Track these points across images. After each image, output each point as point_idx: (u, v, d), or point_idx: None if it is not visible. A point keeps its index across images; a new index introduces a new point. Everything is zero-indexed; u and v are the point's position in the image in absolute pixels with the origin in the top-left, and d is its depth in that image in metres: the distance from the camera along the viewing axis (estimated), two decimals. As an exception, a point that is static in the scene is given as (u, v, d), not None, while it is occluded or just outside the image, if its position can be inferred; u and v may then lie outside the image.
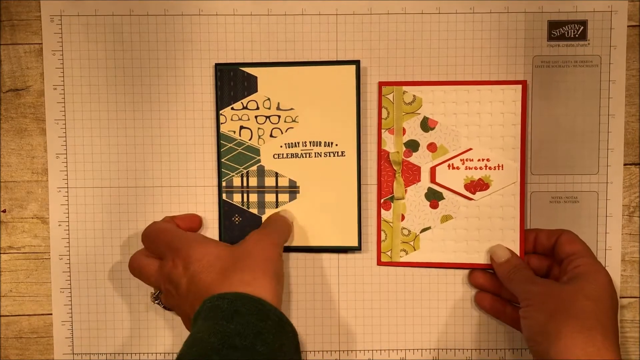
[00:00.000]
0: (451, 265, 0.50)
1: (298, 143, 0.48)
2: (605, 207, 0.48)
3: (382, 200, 0.49)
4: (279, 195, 0.49)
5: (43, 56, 0.47)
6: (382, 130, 0.49)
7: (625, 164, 0.48)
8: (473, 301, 0.50)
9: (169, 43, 0.47)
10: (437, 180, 0.49)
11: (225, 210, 0.49)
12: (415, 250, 0.50)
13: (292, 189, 0.49)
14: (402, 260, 0.50)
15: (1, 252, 0.48)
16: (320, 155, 0.48)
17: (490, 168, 0.48)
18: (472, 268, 0.49)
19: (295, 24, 0.47)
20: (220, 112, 0.48)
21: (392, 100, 0.49)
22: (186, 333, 0.39)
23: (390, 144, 0.49)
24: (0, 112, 0.48)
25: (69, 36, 0.47)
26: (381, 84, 0.49)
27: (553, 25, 0.48)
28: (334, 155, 0.48)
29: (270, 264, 0.41)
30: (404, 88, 0.48)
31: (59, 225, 0.48)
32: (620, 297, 0.49)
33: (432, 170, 0.49)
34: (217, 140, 0.48)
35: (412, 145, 0.49)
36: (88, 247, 0.48)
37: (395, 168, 0.49)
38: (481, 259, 0.49)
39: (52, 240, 0.48)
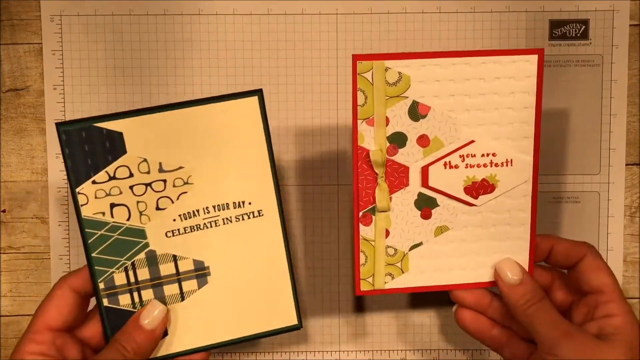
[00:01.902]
0: (448, 287, 0.41)
1: (197, 211, 0.37)
2: (607, 208, 0.48)
3: (360, 214, 0.39)
4: (183, 283, 0.38)
5: (43, 56, 0.47)
6: (358, 121, 0.38)
7: (627, 164, 0.48)
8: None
9: (168, 43, 0.47)
10: (431, 183, 0.39)
11: (111, 319, 0.37)
12: (403, 272, 0.40)
13: (200, 272, 0.38)
14: (387, 287, 0.40)
15: (1, 252, 0.48)
16: (231, 221, 0.38)
17: (496, 165, 0.39)
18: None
19: (295, 23, 0.47)
20: (77, 190, 0.36)
21: (370, 80, 0.37)
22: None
23: (370, 139, 0.38)
24: (0, 112, 0.48)
25: (68, 36, 0.47)
26: (356, 58, 0.37)
27: (554, 24, 0.47)
28: (249, 217, 0.38)
29: None
30: (387, 63, 0.37)
31: (59, 225, 0.48)
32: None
33: (424, 171, 0.39)
34: (81, 228, 0.37)
35: (398, 140, 0.39)
36: (88, 247, 0.48)
37: (376, 171, 0.38)
38: (484, 276, 0.41)
39: (52, 240, 0.48)
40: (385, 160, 0.39)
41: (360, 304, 0.49)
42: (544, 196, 0.48)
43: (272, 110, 0.47)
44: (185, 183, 0.37)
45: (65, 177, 0.48)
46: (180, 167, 0.37)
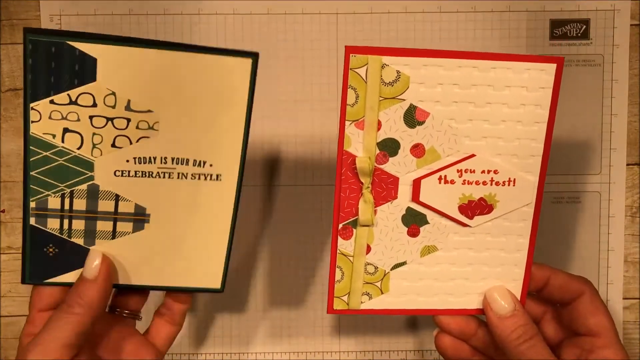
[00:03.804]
0: (431, 312, 0.38)
1: (154, 159, 0.35)
2: (608, 208, 0.48)
3: (340, 226, 0.36)
4: (118, 223, 0.36)
5: (42, 56, 0.47)
6: (346, 123, 0.34)
7: (627, 164, 0.48)
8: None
9: (168, 43, 0.47)
10: (422, 198, 0.35)
11: (34, 238, 0.36)
12: (382, 293, 0.37)
13: (139, 217, 0.36)
14: (363, 307, 0.37)
15: (0, 252, 0.48)
16: (185, 177, 0.36)
17: (497, 183, 0.35)
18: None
19: (296, 23, 0.47)
20: (32, 105, 0.34)
21: (364, 77, 0.34)
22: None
23: (357, 144, 0.34)
24: (0, 112, 0.48)
25: (68, 36, 0.47)
26: (349, 51, 0.33)
27: (555, 24, 0.47)
28: (205, 179, 0.36)
29: None
30: (384, 59, 0.34)
31: (59, 225, 0.48)
32: (622, 299, 0.48)
33: (416, 184, 0.35)
34: (25, 144, 0.34)
35: (390, 147, 0.35)
36: (88, 247, 0.48)
37: (362, 180, 0.35)
38: (471, 303, 0.37)
39: (52, 240, 0.48)
40: (373, 169, 0.35)
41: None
42: (544, 196, 0.48)
43: (272, 110, 0.47)
44: (150, 128, 0.35)
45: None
46: (149, 111, 0.35)
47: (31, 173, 0.35)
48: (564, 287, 0.37)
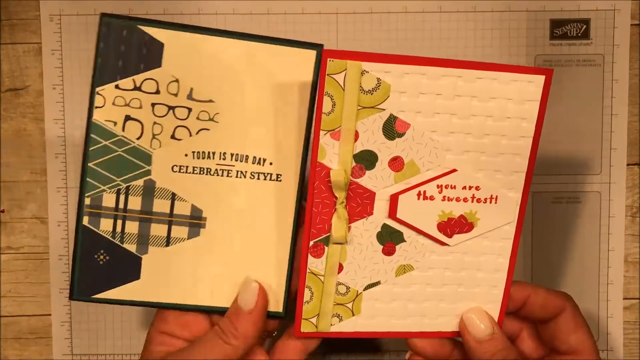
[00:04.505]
0: (404, 335, 0.36)
1: (213, 154, 0.34)
2: (608, 208, 0.48)
3: (310, 243, 0.34)
4: (173, 228, 0.34)
5: (42, 56, 0.47)
6: (321, 133, 0.32)
7: (628, 164, 0.48)
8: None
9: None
10: (399, 214, 0.33)
11: (86, 242, 0.34)
12: (354, 314, 0.35)
13: (195, 221, 0.34)
14: (333, 329, 0.35)
15: (0, 252, 0.48)
16: (245, 176, 0.34)
17: (478, 200, 0.34)
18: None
19: (295, 23, 0.47)
20: (98, 89, 0.33)
21: (341, 84, 0.31)
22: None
23: (333, 155, 0.32)
24: (0, 112, 0.48)
25: (68, 36, 0.47)
26: (326, 55, 0.31)
27: (555, 24, 0.47)
28: (265, 179, 0.34)
29: None
30: (364, 65, 0.31)
31: (58, 225, 0.48)
32: (622, 299, 0.48)
33: (393, 200, 0.33)
34: (87, 132, 0.33)
35: (367, 159, 0.33)
36: (87, 247, 0.48)
37: (337, 195, 0.33)
38: (446, 325, 0.36)
39: (51, 240, 0.48)
40: (349, 183, 0.33)
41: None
42: (544, 196, 0.48)
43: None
44: (210, 119, 0.34)
45: (64, 177, 0.47)
46: (211, 101, 0.33)
47: (89, 164, 0.33)
48: (544, 305, 0.36)
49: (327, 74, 0.31)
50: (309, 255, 0.34)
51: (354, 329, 0.35)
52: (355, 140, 0.32)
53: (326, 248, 0.34)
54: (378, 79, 0.32)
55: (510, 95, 0.33)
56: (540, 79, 0.33)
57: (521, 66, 0.33)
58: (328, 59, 0.31)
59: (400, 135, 0.33)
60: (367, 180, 0.33)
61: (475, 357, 0.34)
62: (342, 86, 0.32)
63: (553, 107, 0.47)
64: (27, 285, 0.48)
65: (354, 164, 0.33)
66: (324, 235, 0.34)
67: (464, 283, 0.35)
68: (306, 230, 0.33)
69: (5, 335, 0.49)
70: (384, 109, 0.32)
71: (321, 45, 0.33)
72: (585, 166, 0.48)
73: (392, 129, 0.33)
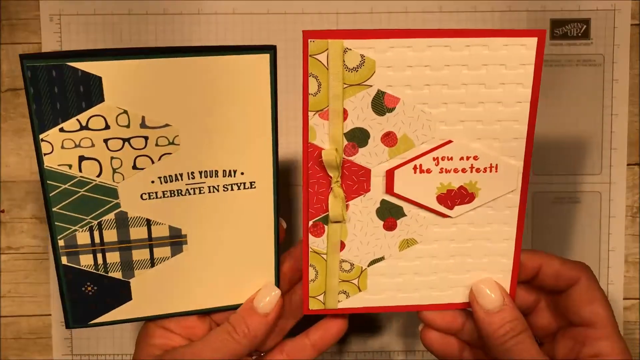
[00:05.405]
0: (414, 308, 0.36)
1: (181, 175, 0.33)
2: (608, 208, 0.48)
3: (310, 223, 0.34)
4: (155, 250, 0.34)
5: (42, 56, 0.47)
6: (310, 114, 0.32)
7: (628, 164, 0.48)
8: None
9: (168, 43, 0.47)
10: (397, 189, 0.33)
11: (69, 279, 0.34)
12: (360, 290, 0.35)
13: (176, 240, 0.34)
14: (341, 306, 0.35)
15: (0, 252, 0.48)
16: (217, 190, 0.34)
17: (477, 170, 0.33)
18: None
19: (296, 23, 0.47)
20: (41, 136, 0.31)
21: (325, 63, 0.31)
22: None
23: (323, 136, 0.32)
24: (0, 112, 0.48)
25: (68, 36, 0.47)
26: (307, 35, 0.31)
27: (556, 24, 0.47)
28: (239, 188, 0.34)
29: None
30: (346, 43, 0.31)
31: (58, 225, 0.48)
32: (623, 299, 0.48)
33: (389, 175, 0.33)
34: (41, 179, 0.32)
35: (359, 137, 0.33)
36: (87, 247, 0.48)
37: (330, 174, 0.33)
38: (457, 296, 0.36)
39: (51, 240, 0.48)
40: (342, 162, 0.33)
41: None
42: (544, 196, 0.48)
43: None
44: (171, 143, 0.32)
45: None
46: (167, 125, 0.32)
47: (53, 209, 0.33)
48: (557, 275, 0.35)
49: (310, 55, 0.31)
50: (310, 234, 0.34)
51: (362, 305, 0.35)
52: (345, 118, 0.32)
53: (326, 227, 0.34)
54: (362, 56, 0.31)
55: (502, 60, 0.32)
56: (533, 41, 0.32)
57: (511, 30, 0.32)
58: (309, 40, 0.31)
59: (391, 110, 0.32)
60: (361, 157, 0.33)
61: (483, 328, 0.34)
62: (326, 66, 0.31)
63: (553, 107, 0.47)
64: (27, 285, 0.48)
65: (345, 142, 0.33)
66: (323, 215, 0.34)
67: (471, 254, 0.35)
68: (304, 211, 0.34)
69: (5, 335, 0.49)
70: (371, 85, 0.32)
71: (273, 47, 0.32)
72: (585, 166, 0.48)
73: (381, 104, 0.32)
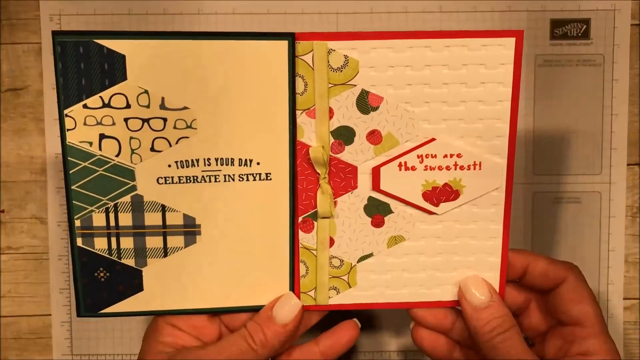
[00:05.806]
0: (405, 305, 0.36)
1: (197, 161, 0.33)
2: (608, 208, 0.48)
3: (299, 219, 0.35)
4: (169, 238, 0.34)
5: (42, 56, 0.47)
6: (298, 112, 0.33)
7: (628, 164, 0.48)
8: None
9: (168, 42, 0.47)
10: (383, 187, 0.34)
11: (83, 262, 0.34)
12: (350, 287, 0.36)
13: (189, 229, 0.34)
14: (332, 302, 0.36)
15: (0, 252, 0.48)
16: (233, 179, 0.34)
17: (461, 167, 0.34)
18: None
19: (295, 23, 0.47)
20: (66, 112, 0.32)
21: (310, 64, 0.33)
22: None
23: (310, 133, 0.34)
24: (0, 112, 0.48)
25: (68, 35, 0.47)
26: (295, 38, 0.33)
27: (556, 23, 0.47)
28: (254, 179, 0.34)
29: None
30: (330, 44, 0.32)
31: (58, 225, 0.48)
32: (623, 299, 0.48)
33: (375, 172, 0.34)
34: (63, 155, 0.33)
35: (344, 135, 0.34)
36: (87, 247, 0.48)
37: (318, 171, 0.34)
38: (445, 294, 0.36)
39: (51, 240, 0.48)
40: (329, 159, 0.34)
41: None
42: (544, 196, 0.48)
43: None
44: (188, 127, 0.33)
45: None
46: (185, 108, 0.32)
47: (72, 187, 0.33)
48: (544, 274, 0.35)
49: (296, 56, 0.33)
50: (300, 230, 0.35)
51: (352, 301, 0.36)
52: (331, 117, 0.34)
53: (315, 223, 0.35)
54: (345, 56, 0.33)
55: (482, 60, 0.33)
56: (511, 41, 0.33)
57: (489, 30, 0.33)
58: (295, 42, 0.33)
59: (375, 108, 0.34)
60: (348, 155, 0.34)
61: (471, 324, 0.34)
62: (312, 66, 0.33)
63: (553, 107, 0.47)
64: (27, 285, 0.48)
65: (332, 140, 0.34)
66: (312, 211, 0.35)
67: (458, 252, 0.36)
68: (295, 207, 0.35)
69: (5, 335, 0.49)
70: (355, 85, 0.33)
71: (292, 34, 0.32)
72: (585, 166, 0.48)
73: (365, 103, 0.34)
